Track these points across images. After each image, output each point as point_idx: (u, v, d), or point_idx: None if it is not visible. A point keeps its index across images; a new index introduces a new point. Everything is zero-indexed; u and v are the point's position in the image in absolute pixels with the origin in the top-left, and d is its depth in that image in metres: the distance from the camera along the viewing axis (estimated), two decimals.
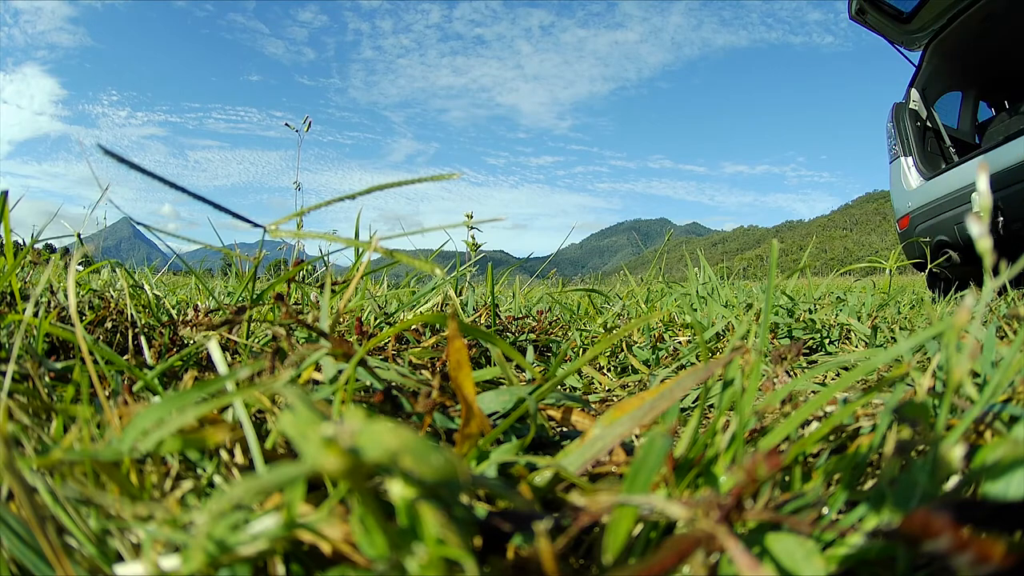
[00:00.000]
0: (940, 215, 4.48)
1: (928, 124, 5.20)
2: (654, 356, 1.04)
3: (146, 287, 1.20)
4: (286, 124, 1.43)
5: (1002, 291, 4.09)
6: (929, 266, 3.57)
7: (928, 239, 4.62)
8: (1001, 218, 4.01)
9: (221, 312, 0.97)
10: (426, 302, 1.11)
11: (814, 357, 1.12)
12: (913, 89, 5.24)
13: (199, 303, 1.17)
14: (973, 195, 4.12)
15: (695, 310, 1.14)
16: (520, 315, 1.25)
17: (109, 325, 1.08)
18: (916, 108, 5.15)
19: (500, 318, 1.17)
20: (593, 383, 1.00)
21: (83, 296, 1.39)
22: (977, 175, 0.48)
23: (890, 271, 1.83)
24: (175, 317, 1.07)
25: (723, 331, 1.07)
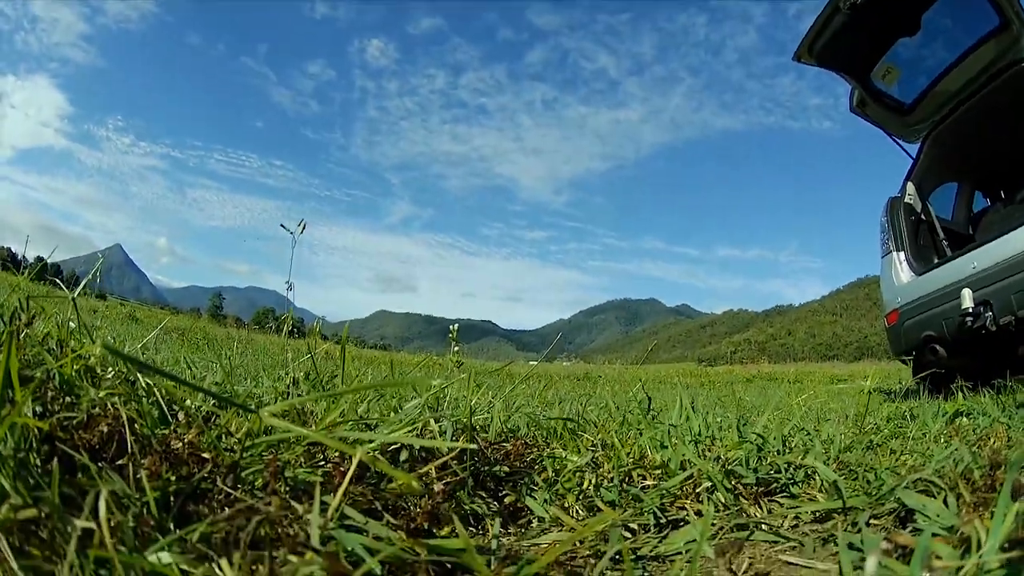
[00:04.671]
0: (929, 310, 4.55)
1: (922, 217, 5.31)
2: (619, 498, 1.07)
3: (140, 379, 1.24)
4: (281, 225, 1.48)
5: (989, 384, 4.14)
6: (917, 375, 3.62)
7: (915, 334, 4.67)
8: (990, 313, 4.05)
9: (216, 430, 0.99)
10: (408, 420, 1.15)
11: (779, 499, 1.16)
12: (909, 183, 5.35)
13: (188, 400, 1.21)
14: (963, 290, 4.19)
15: (664, 447, 1.18)
16: (497, 438, 1.29)
17: (105, 429, 1.11)
18: (911, 202, 5.26)
19: (478, 442, 1.20)
20: (559, 520, 1.04)
21: (78, 370, 1.42)
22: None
23: (868, 391, 1.88)
24: (169, 421, 1.10)
25: (690, 476, 1.11)
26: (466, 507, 1.08)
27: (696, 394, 5.62)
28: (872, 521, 0.99)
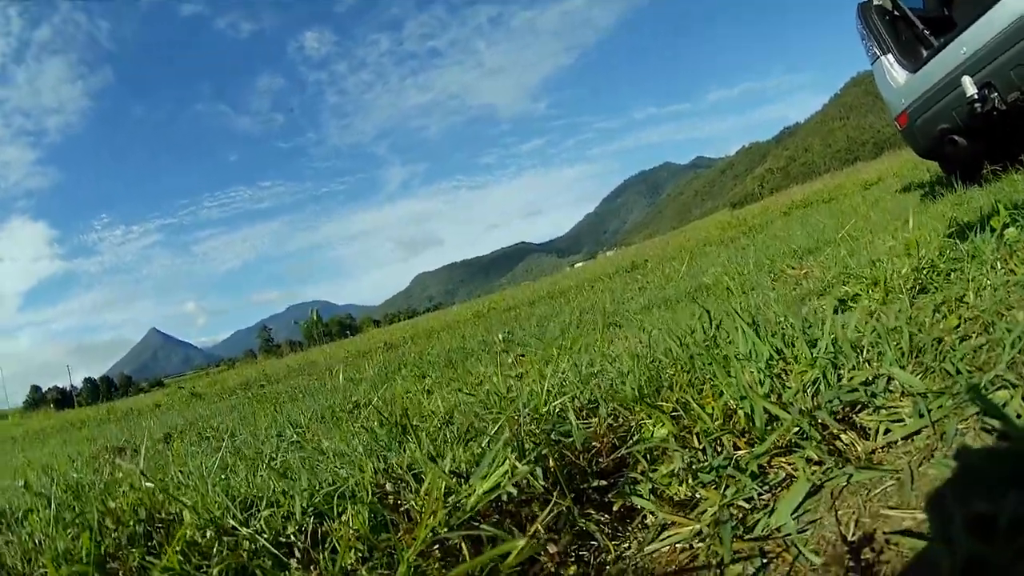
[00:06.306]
0: (936, 104, 4.43)
1: (896, 13, 5.11)
2: (716, 477, 1.09)
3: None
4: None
5: (1019, 161, 4.07)
6: (946, 169, 3.54)
7: (930, 130, 4.57)
8: (995, 94, 3.94)
9: None
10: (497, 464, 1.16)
11: (865, 416, 1.16)
12: None
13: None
14: (963, 78, 4.07)
15: (744, 398, 1.19)
16: (582, 427, 1.32)
17: None
18: (880, 2, 5.07)
19: (566, 455, 1.23)
20: (671, 515, 1.06)
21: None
22: None
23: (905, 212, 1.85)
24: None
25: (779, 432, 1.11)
26: (579, 524, 1.11)
27: (744, 253, 5.61)
28: (959, 427, 1.00)
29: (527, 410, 1.50)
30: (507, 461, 1.17)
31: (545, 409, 1.52)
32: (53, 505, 1.72)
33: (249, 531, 1.20)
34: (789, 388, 1.26)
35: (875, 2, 5.04)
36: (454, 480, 1.19)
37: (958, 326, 1.44)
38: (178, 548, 1.16)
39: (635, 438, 1.31)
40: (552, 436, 1.33)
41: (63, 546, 1.34)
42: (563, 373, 1.86)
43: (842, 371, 1.28)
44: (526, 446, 1.27)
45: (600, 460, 1.27)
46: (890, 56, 4.84)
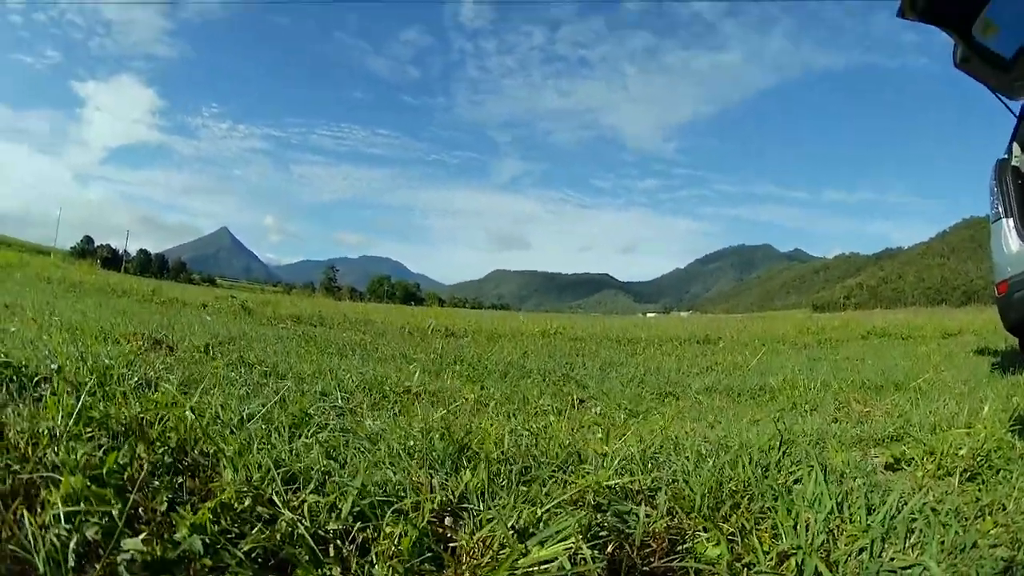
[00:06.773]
0: None
1: None
2: None
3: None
4: None
5: None
6: None
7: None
8: None
9: None
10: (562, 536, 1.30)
11: None
12: (1015, 144, 5.07)
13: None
14: None
15: (799, 548, 1.33)
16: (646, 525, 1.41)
17: None
18: (1019, 164, 5.00)
19: (627, 547, 1.35)
20: None
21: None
22: None
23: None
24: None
25: None
26: None
27: (815, 367, 5.56)
28: None
29: (593, 479, 1.58)
30: (572, 539, 1.26)
31: (608, 483, 1.60)
32: (83, 396, 1.58)
33: (292, 516, 1.20)
34: (838, 549, 1.39)
35: (1013, 163, 4.98)
36: (512, 534, 1.27)
37: (991, 531, 1.54)
38: (211, 506, 1.16)
39: (687, 546, 1.43)
40: (611, 517, 1.46)
41: (83, 453, 1.24)
42: (628, 447, 1.96)
43: (887, 546, 1.40)
44: (590, 524, 1.39)
45: (652, 561, 1.39)
46: (1011, 221, 4.77)
